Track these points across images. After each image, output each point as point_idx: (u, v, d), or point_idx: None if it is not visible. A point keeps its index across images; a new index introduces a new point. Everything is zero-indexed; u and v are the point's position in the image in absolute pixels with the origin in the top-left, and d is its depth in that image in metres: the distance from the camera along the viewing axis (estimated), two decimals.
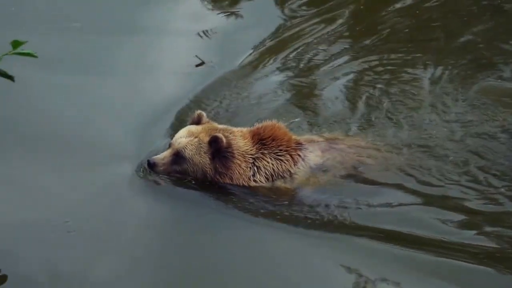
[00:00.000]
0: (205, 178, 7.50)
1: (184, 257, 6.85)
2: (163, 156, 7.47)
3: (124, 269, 6.68)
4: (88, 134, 8.34)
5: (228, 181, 7.49)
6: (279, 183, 7.57)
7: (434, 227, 7.07)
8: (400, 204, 7.38)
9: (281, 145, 7.56)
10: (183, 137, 7.46)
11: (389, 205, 7.37)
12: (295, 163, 7.55)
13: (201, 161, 7.42)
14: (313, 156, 7.61)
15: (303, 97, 9.20)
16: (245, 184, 7.50)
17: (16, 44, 4.93)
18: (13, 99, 8.49)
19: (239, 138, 7.53)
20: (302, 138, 7.83)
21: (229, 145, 7.42)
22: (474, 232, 7.03)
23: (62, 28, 10.24)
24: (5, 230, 6.98)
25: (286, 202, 7.44)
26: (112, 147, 8.10)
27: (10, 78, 5.08)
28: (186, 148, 7.40)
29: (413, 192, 7.50)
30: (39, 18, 10.36)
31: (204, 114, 7.67)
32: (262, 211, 7.33)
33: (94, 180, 7.66)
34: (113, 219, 7.22)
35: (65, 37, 10.06)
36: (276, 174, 7.55)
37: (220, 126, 7.64)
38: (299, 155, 7.59)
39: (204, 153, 7.41)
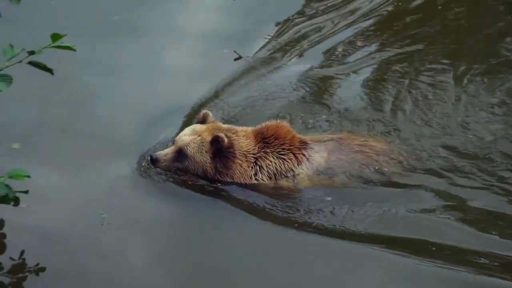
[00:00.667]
0: (205, 176, 7.52)
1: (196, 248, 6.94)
2: (165, 153, 7.52)
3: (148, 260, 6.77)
4: (106, 129, 8.37)
5: (229, 179, 7.51)
6: (282, 182, 7.54)
7: (451, 236, 6.98)
8: (407, 209, 7.27)
9: (284, 143, 7.53)
10: (186, 135, 7.51)
11: (393, 209, 7.28)
12: (299, 162, 7.53)
13: (202, 159, 7.45)
14: (318, 156, 7.57)
15: (326, 93, 9.12)
16: (247, 182, 7.50)
17: (55, 37, 4.90)
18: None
19: (241, 138, 7.53)
20: (309, 137, 7.76)
21: (231, 145, 7.43)
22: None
23: (100, 22, 10.29)
24: (41, 223, 7.08)
25: (289, 202, 7.39)
26: (128, 142, 8.18)
27: (49, 71, 5.06)
28: (189, 146, 7.44)
29: (423, 198, 7.40)
30: (79, 12, 10.41)
31: (210, 113, 7.69)
32: (266, 208, 7.32)
33: (119, 172, 7.74)
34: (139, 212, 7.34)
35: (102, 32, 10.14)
36: (279, 173, 7.53)
37: (224, 126, 7.65)
38: (303, 155, 7.54)
39: (206, 152, 7.45)
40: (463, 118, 8.46)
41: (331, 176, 7.53)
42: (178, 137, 7.57)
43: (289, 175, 7.53)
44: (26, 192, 5.46)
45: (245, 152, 7.50)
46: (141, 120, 8.54)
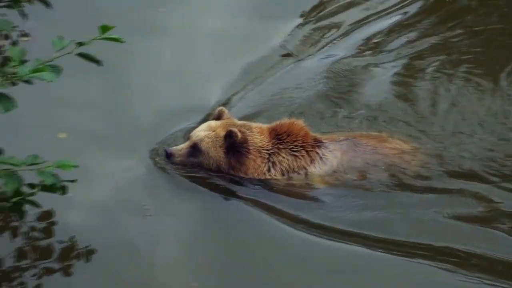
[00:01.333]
0: (219, 171, 7.64)
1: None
2: (180, 148, 7.65)
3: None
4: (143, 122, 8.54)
5: (242, 175, 7.61)
6: (294, 179, 7.61)
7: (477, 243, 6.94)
8: (420, 213, 7.27)
9: (296, 140, 7.61)
10: (201, 130, 7.64)
11: (401, 213, 7.32)
12: (311, 160, 7.60)
13: (216, 154, 7.56)
14: (331, 156, 7.63)
15: (357, 87, 9.16)
16: (260, 178, 7.58)
17: (104, 29, 4.97)
18: None
19: (256, 134, 7.62)
20: (324, 136, 7.84)
21: (245, 140, 7.53)
22: None
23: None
24: (86, 211, 7.21)
25: (301, 200, 7.49)
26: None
27: (97, 62, 5.14)
28: (203, 141, 7.55)
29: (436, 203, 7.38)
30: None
31: (225, 110, 7.83)
32: (277, 204, 7.44)
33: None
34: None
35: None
36: (291, 170, 7.61)
37: (239, 122, 7.79)
38: (316, 153, 7.62)
39: (219, 147, 7.55)
40: (498, 119, 8.39)
41: (342, 176, 7.58)
42: (193, 132, 7.72)
43: (301, 172, 7.60)
44: (74, 181, 5.55)
45: (259, 148, 7.60)
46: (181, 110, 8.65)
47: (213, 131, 7.58)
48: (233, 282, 6.71)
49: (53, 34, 5.31)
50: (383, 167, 7.59)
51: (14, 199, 5.35)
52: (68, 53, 5.00)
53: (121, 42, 4.99)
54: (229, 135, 7.47)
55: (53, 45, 4.99)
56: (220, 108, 7.86)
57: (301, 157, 7.58)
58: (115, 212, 7.34)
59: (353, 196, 7.48)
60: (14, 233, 6.84)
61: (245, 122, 7.84)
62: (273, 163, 7.58)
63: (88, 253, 6.71)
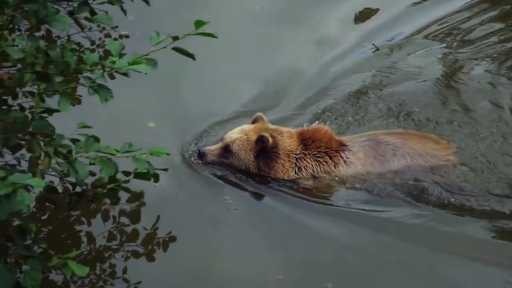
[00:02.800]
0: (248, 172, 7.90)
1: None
2: (213, 148, 7.95)
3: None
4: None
5: (271, 175, 7.87)
6: (319, 182, 7.84)
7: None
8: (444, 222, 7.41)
9: (320, 146, 7.87)
10: (234, 133, 7.95)
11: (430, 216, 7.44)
12: (335, 164, 7.84)
13: (246, 157, 7.84)
14: (355, 158, 7.81)
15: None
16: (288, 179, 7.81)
17: (198, 23, 5.13)
18: None
19: (286, 138, 7.88)
20: (347, 138, 8.06)
21: (275, 145, 7.81)
22: None
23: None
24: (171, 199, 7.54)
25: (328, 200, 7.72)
26: None
27: (191, 56, 5.31)
28: (234, 143, 7.86)
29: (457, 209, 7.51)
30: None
31: (262, 115, 8.09)
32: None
33: None
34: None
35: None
36: (317, 174, 7.84)
37: (272, 126, 8.03)
38: (340, 157, 7.83)
39: (250, 150, 7.84)
40: None
41: (366, 178, 7.75)
42: (226, 134, 8.01)
43: (326, 176, 7.83)
44: (166, 170, 5.76)
45: (288, 152, 7.86)
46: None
47: (245, 135, 7.88)
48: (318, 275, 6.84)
49: (151, 28, 5.52)
50: (402, 166, 7.75)
51: (110, 186, 5.60)
52: (164, 47, 5.16)
53: (214, 37, 5.14)
54: (260, 140, 7.77)
55: (151, 39, 5.18)
56: (258, 114, 8.16)
57: (324, 163, 7.86)
58: (196, 202, 7.57)
59: (376, 198, 7.67)
60: (106, 216, 7.17)
61: (277, 126, 8.09)
62: (299, 168, 7.86)
63: (170, 240, 6.96)
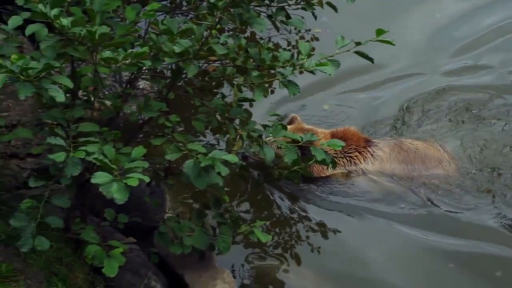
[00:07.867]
0: None
1: None
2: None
3: None
4: None
5: None
6: (352, 177, 8.35)
7: None
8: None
9: (350, 144, 8.34)
10: None
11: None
12: (364, 158, 8.36)
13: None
14: (381, 152, 8.36)
15: None
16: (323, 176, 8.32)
17: (379, 32, 5.64)
18: None
19: (321, 138, 8.00)
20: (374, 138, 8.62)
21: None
22: None
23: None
24: None
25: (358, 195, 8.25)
26: None
27: (370, 60, 5.88)
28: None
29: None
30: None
31: (297, 117, 8.52)
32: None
33: None
34: None
35: None
36: (349, 169, 8.34)
37: (307, 127, 8.38)
38: (368, 151, 8.37)
39: None
40: None
41: (390, 169, 8.29)
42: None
43: (357, 170, 8.34)
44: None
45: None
46: None
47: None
48: None
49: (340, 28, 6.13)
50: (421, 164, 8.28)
51: (293, 169, 6.39)
52: (347, 50, 5.75)
53: (392, 45, 5.65)
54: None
55: (336, 43, 5.79)
56: (293, 115, 8.58)
57: (355, 157, 8.36)
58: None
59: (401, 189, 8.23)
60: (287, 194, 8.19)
61: (312, 127, 8.46)
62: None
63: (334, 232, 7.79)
